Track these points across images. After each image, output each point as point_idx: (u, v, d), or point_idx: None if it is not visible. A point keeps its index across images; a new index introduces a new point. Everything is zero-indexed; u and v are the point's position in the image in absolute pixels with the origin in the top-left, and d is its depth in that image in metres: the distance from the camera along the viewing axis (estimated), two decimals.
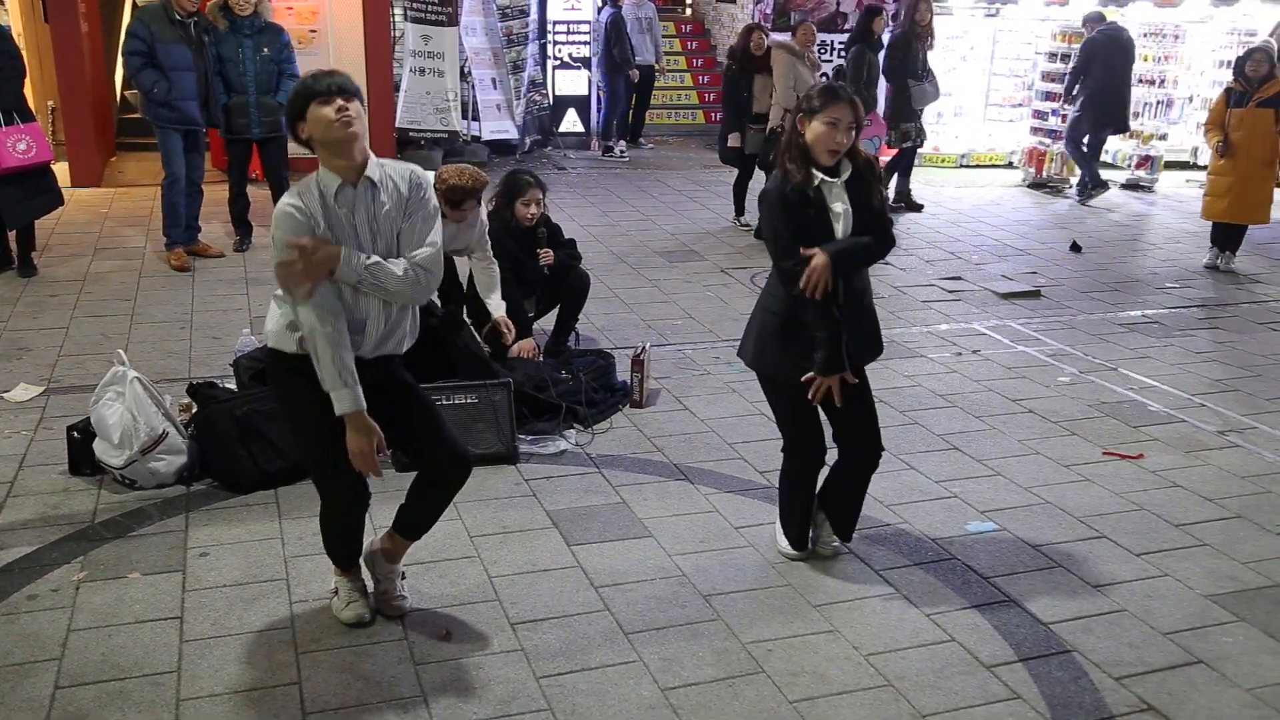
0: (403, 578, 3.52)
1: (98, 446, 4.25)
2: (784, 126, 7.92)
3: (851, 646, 3.37)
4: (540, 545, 3.93)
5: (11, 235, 7.03)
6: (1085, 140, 10.65)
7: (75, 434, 4.33)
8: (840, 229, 3.49)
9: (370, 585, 3.48)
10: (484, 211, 5.30)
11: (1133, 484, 4.57)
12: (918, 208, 9.98)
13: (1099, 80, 10.33)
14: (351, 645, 3.30)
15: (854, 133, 3.43)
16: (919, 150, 10.25)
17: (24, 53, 7.55)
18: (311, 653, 3.26)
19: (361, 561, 3.46)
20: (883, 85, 9.90)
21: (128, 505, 4.13)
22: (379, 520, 3.55)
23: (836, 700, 3.12)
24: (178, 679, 3.11)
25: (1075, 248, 8.72)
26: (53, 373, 5.43)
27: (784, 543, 3.90)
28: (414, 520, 3.38)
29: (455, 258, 5.45)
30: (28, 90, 7.47)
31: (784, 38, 9.13)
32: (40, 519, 4.01)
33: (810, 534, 3.91)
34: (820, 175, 3.45)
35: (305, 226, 3.00)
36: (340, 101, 2.98)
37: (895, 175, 9.91)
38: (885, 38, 9.71)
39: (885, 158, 9.78)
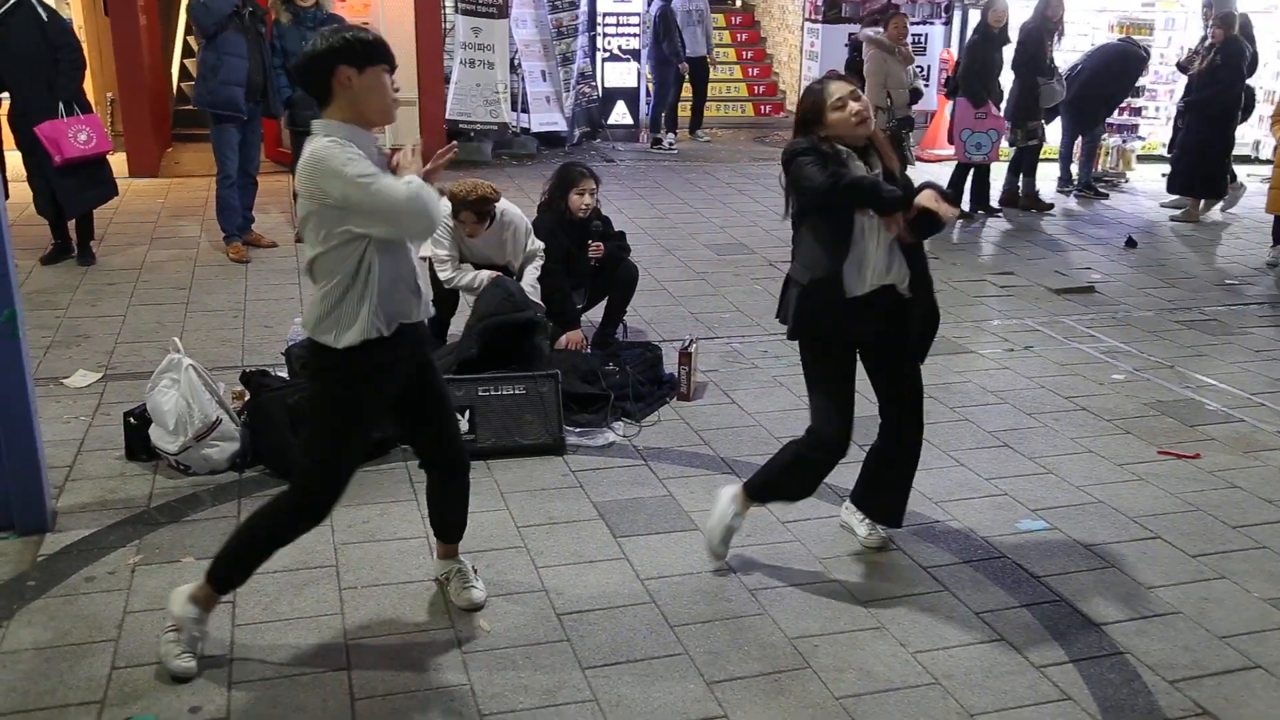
0: (474, 570, 3.50)
1: (153, 432, 4.33)
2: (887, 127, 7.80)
3: (899, 643, 3.34)
4: (587, 536, 3.94)
5: (70, 224, 7.18)
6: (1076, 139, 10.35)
7: (132, 420, 4.41)
8: None
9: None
10: (521, 229, 5.36)
11: (1189, 484, 4.49)
12: (1047, 206, 9.68)
13: (1086, 84, 9.90)
14: (400, 633, 3.33)
15: (860, 100, 3.45)
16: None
17: (84, 45, 7.68)
18: (360, 640, 3.30)
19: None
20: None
21: (182, 490, 4.20)
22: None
23: (883, 697, 3.09)
24: (230, 662, 3.17)
25: (1130, 243, 8.56)
26: (110, 359, 5.54)
27: (730, 507, 3.70)
28: (445, 525, 3.39)
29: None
30: (87, 82, 7.61)
31: (873, 31, 8.94)
32: (98, 503, 4.09)
33: (861, 527, 3.90)
34: (845, 150, 3.47)
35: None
36: (394, 79, 2.93)
37: (1019, 176, 9.67)
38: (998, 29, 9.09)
39: (957, 158, 9.54)
